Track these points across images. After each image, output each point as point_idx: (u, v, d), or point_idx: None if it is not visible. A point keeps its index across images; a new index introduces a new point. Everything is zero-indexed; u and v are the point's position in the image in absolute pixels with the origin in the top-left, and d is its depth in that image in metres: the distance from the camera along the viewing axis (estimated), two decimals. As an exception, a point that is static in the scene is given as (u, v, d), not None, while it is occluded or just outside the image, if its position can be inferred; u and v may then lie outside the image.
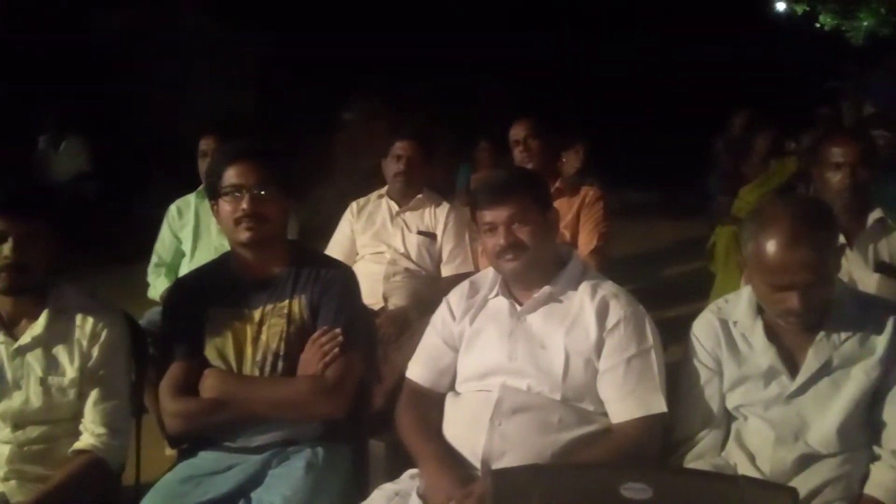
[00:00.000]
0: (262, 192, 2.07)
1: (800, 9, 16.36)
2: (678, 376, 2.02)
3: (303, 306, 2.11)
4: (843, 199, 2.62)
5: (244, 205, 2.05)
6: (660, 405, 1.92)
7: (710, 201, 6.72)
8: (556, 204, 3.20)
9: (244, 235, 2.07)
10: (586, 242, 3.24)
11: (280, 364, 2.08)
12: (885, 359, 1.81)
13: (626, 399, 1.93)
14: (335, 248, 3.45)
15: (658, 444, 1.95)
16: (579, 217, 3.29)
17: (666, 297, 5.02)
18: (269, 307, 2.11)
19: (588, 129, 6.43)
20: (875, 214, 2.67)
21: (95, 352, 2.10)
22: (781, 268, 1.73)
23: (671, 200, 8.85)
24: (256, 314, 2.11)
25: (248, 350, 2.09)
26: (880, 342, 1.82)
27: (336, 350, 2.03)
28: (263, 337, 2.09)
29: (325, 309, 2.10)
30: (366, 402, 2.28)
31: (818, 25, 16.18)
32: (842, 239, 2.63)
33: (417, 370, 2.16)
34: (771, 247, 1.73)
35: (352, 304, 2.15)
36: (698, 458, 1.91)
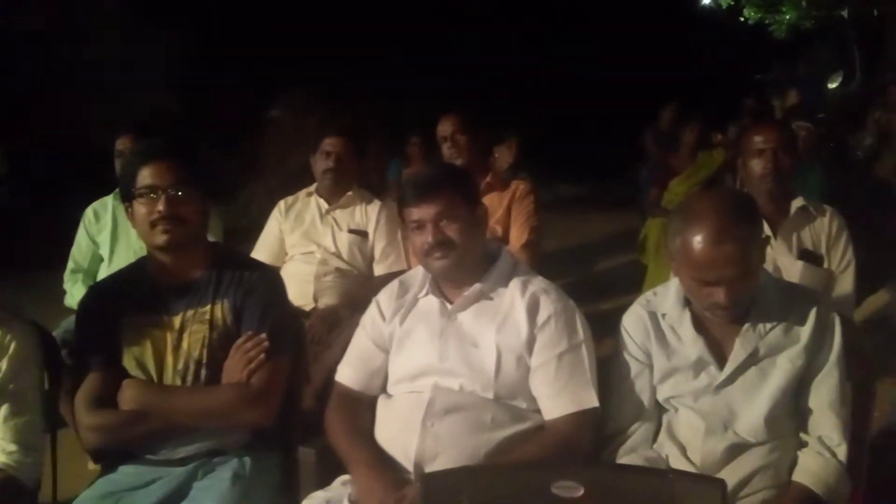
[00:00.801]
0: (179, 193, 1.99)
1: (725, 3, 16.81)
2: (609, 370, 2.01)
3: (226, 311, 2.03)
4: (765, 185, 2.68)
5: (160, 206, 1.97)
6: (591, 400, 1.92)
7: (641, 194, 6.82)
8: (487, 199, 3.22)
9: (161, 238, 1.99)
10: (518, 237, 3.22)
11: (203, 372, 2.00)
12: (809, 347, 1.84)
13: (558, 395, 1.92)
14: (262, 249, 3.37)
15: (591, 439, 1.94)
16: (510, 212, 3.27)
17: (599, 290, 5.08)
18: (189, 313, 2.03)
19: (521, 124, 6.45)
20: (797, 203, 2.73)
21: (3, 365, 2.00)
22: (708, 264, 1.74)
23: (604, 194, 8.97)
24: (176, 321, 2.03)
25: (169, 358, 2.01)
26: (804, 331, 1.85)
27: (262, 356, 1.97)
28: (184, 344, 2.01)
29: (249, 313, 2.02)
30: (295, 408, 2.22)
31: (743, 19, 16.68)
32: (767, 230, 2.69)
33: (347, 373, 2.10)
34: (697, 243, 1.74)
35: (277, 307, 2.08)
36: (631, 451, 1.92)
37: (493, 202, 3.26)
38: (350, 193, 3.39)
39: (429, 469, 1.81)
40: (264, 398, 1.96)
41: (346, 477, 1.93)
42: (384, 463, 1.89)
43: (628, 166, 7.79)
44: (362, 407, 2.04)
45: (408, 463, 1.87)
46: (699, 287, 1.80)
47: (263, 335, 1.99)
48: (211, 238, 2.30)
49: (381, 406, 2.03)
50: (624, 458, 1.90)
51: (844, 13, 15.48)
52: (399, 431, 1.92)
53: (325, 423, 2.05)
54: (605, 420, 1.97)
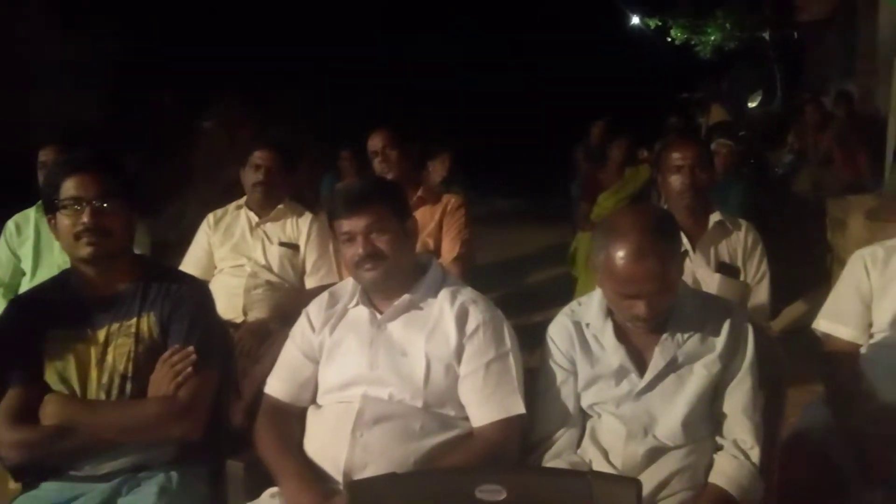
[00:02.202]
0: (105, 205, 1.97)
1: (652, 23, 17.31)
2: (536, 378, 2.06)
3: (152, 324, 2.01)
4: (684, 201, 2.78)
5: (84, 218, 1.95)
6: (518, 407, 1.96)
7: (572, 208, 6.96)
8: (419, 213, 3.26)
9: (85, 251, 1.97)
10: (449, 250, 3.26)
11: (128, 386, 1.98)
12: (723, 355, 1.92)
13: (486, 403, 1.95)
14: (191, 262, 3.32)
15: (517, 445, 1.98)
16: (442, 225, 3.31)
17: (532, 302, 5.17)
18: (114, 326, 2.00)
19: (455, 139, 6.52)
20: (715, 217, 2.84)
21: None
22: (629, 279, 1.81)
23: (537, 207, 9.11)
24: (101, 334, 2.00)
25: (93, 373, 1.98)
26: (719, 340, 1.93)
27: (189, 369, 1.95)
28: (109, 358, 1.98)
29: (176, 326, 2.01)
30: (223, 421, 2.20)
31: (670, 40, 17.19)
32: (685, 244, 2.79)
33: (276, 385, 2.10)
34: (620, 259, 1.80)
35: (205, 320, 2.07)
36: (556, 456, 1.96)
37: (425, 216, 3.29)
38: (281, 206, 3.38)
39: (357, 479, 1.82)
40: (191, 411, 1.95)
41: (274, 489, 1.92)
42: (313, 474, 1.89)
43: (561, 181, 7.94)
44: (291, 419, 2.04)
45: (337, 473, 1.87)
46: (621, 300, 1.87)
47: (191, 348, 1.97)
48: (137, 250, 2.28)
49: (311, 417, 2.04)
50: (549, 463, 1.94)
51: (766, 35, 16.12)
52: (328, 442, 1.93)
53: (254, 435, 2.04)
54: (531, 426, 2.01)
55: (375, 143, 3.33)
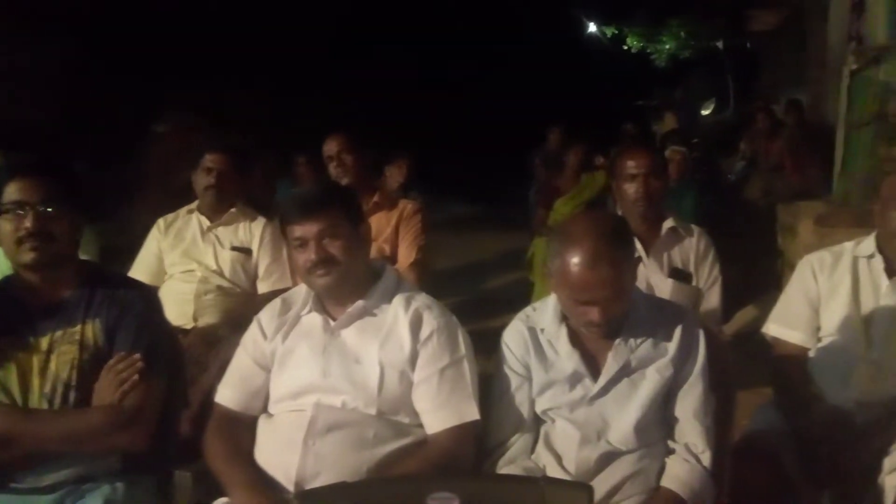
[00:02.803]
0: (49, 210, 1.92)
1: (609, 31, 17.53)
2: (491, 383, 2.06)
3: (97, 331, 1.96)
4: (638, 208, 2.81)
5: (28, 223, 1.90)
6: (472, 413, 1.95)
7: (530, 213, 7.00)
8: (375, 218, 3.24)
9: (28, 257, 1.91)
10: (405, 256, 3.25)
11: (72, 395, 1.93)
12: (675, 359, 1.94)
13: (440, 409, 1.94)
14: (140, 268, 3.26)
15: (472, 452, 1.97)
16: (398, 231, 3.30)
17: (490, 307, 5.17)
18: (58, 334, 1.95)
19: (414, 145, 6.51)
20: (668, 224, 2.87)
21: None
22: (583, 285, 1.81)
23: (495, 213, 9.14)
24: (44, 342, 1.94)
25: (35, 381, 1.92)
26: (671, 345, 1.95)
27: (135, 377, 1.91)
28: (52, 366, 1.93)
29: (122, 333, 1.96)
30: (171, 430, 2.16)
31: (626, 48, 17.44)
32: (639, 250, 2.82)
33: (227, 393, 2.06)
34: (574, 266, 1.81)
35: (153, 326, 2.03)
36: (510, 462, 1.96)
37: (381, 221, 3.28)
38: (233, 210, 3.33)
39: (309, 488, 1.79)
40: (137, 420, 1.90)
41: (224, 500, 1.88)
42: (263, 484, 1.86)
43: (519, 187, 7.98)
44: (242, 428, 2.00)
45: (289, 482, 1.84)
46: (575, 305, 1.87)
47: (137, 355, 1.93)
48: (85, 256, 2.22)
49: (262, 426, 2.00)
50: (504, 469, 1.94)
51: (720, 44, 16.44)
52: (280, 451, 1.90)
53: (204, 445, 1.99)
54: (486, 432, 2.01)
55: (331, 148, 3.30)
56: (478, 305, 5.46)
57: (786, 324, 2.47)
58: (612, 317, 1.86)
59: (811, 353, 2.44)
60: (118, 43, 8.20)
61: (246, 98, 8.24)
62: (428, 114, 12.89)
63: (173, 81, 7.93)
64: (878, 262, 2.37)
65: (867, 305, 2.36)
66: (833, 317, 2.41)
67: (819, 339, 2.44)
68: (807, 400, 2.34)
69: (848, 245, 2.48)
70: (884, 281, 2.35)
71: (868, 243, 2.42)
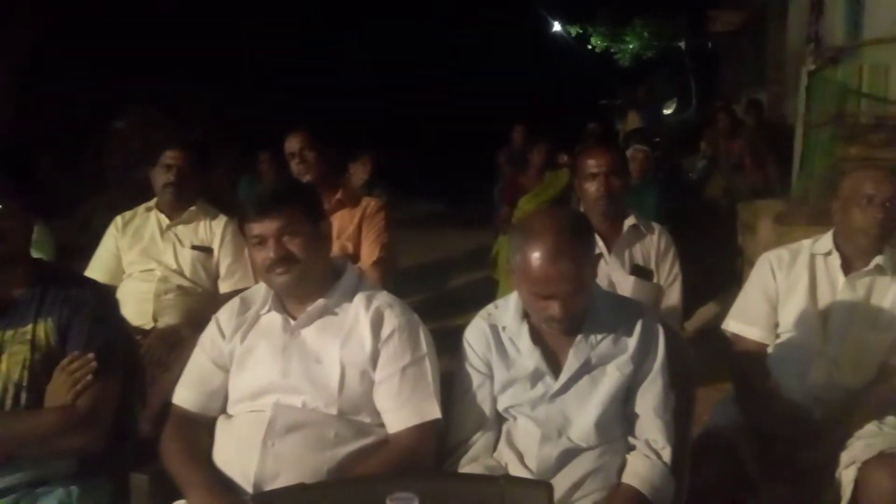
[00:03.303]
0: None
1: (574, 31, 17.68)
2: (453, 382, 2.05)
3: (49, 331, 1.92)
4: (599, 207, 2.82)
5: None
6: (434, 412, 1.94)
7: (495, 211, 7.02)
8: (337, 216, 3.22)
9: None
10: (369, 254, 3.22)
11: (23, 396, 1.89)
12: (636, 356, 1.94)
13: (402, 408, 1.93)
14: (97, 267, 3.18)
15: (434, 451, 1.96)
16: (361, 229, 3.27)
17: (454, 305, 5.17)
18: (9, 333, 1.91)
19: (379, 143, 6.49)
20: (629, 221, 2.89)
21: None
22: (544, 280, 1.81)
23: (460, 211, 9.14)
24: None
25: (-15, 383, 1.87)
26: (631, 341, 1.95)
27: (89, 377, 1.87)
28: (3, 367, 1.89)
29: (75, 332, 1.92)
30: (128, 431, 2.12)
31: (591, 47, 17.59)
32: (601, 247, 2.84)
33: (185, 394, 2.02)
34: (535, 260, 1.81)
35: (107, 325, 1.98)
36: (472, 460, 1.95)
37: (344, 219, 3.25)
38: (193, 208, 3.27)
39: (268, 489, 1.77)
40: (91, 422, 1.87)
41: (181, 502, 1.85)
42: (221, 485, 1.83)
43: (484, 185, 7.99)
44: (200, 429, 1.97)
45: (247, 484, 1.81)
46: (536, 300, 1.87)
47: (91, 355, 1.89)
48: (40, 255, 2.18)
49: (221, 427, 1.97)
50: (466, 468, 1.93)
51: (682, 45, 16.67)
52: (238, 452, 1.87)
53: (161, 446, 1.96)
54: (447, 431, 2.00)
55: (292, 144, 3.26)
56: (442, 303, 5.47)
57: (745, 320, 2.50)
58: (572, 312, 1.86)
59: (770, 349, 2.47)
60: (77, 37, 8.03)
61: (208, 94, 8.12)
62: (393, 111, 12.86)
63: (134, 77, 7.79)
64: (835, 258, 2.42)
65: (824, 302, 2.41)
66: (791, 313, 2.45)
67: (777, 336, 2.48)
68: (765, 395, 2.38)
69: (806, 243, 2.52)
70: (840, 277, 2.39)
71: (825, 241, 2.46)
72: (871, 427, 2.25)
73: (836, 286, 2.40)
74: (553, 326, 1.91)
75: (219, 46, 9.00)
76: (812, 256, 2.46)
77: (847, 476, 2.14)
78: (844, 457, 2.19)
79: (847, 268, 2.40)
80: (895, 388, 2.28)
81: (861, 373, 2.35)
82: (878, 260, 2.35)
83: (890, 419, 2.27)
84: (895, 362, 2.32)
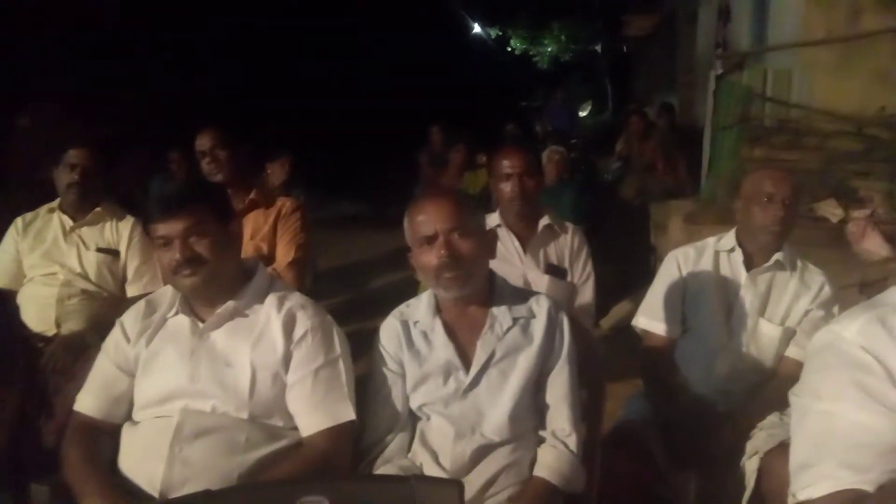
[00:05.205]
0: None
1: (493, 33, 17.87)
2: (366, 382, 2.04)
3: None
4: (514, 207, 2.86)
5: None
6: (348, 414, 1.92)
7: (415, 212, 6.99)
8: (251, 216, 3.15)
9: None
10: (284, 254, 3.17)
11: None
12: (543, 346, 1.97)
13: (315, 411, 1.91)
14: (-5, 271, 3.04)
15: (348, 453, 1.94)
16: (276, 229, 3.21)
17: (377, 306, 5.10)
18: None
19: (300, 143, 6.41)
20: (544, 221, 2.93)
21: None
22: (425, 216, 1.88)
23: (382, 212, 9.08)
24: None
25: None
26: (538, 332, 1.98)
27: None
28: None
29: None
30: (28, 442, 2.02)
31: (510, 49, 17.82)
32: (517, 245, 2.87)
33: (88, 401, 1.95)
34: (417, 206, 1.91)
35: (2, 332, 1.89)
36: (387, 461, 1.94)
37: (258, 219, 3.19)
38: (98, 209, 3.15)
39: (175, 496, 1.72)
40: None
41: (82, 513, 1.78)
42: (121, 492, 1.76)
43: (406, 185, 7.98)
44: (102, 436, 1.91)
45: (155, 492, 1.76)
46: (425, 254, 1.91)
47: None
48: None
49: (126, 434, 1.91)
50: (380, 469, 1.92)
51: (598, 48, 17.05)
52: (144, 459, 1.81)
53: (61, 456, 1.88)
54: (361, 432, 1.98)
55: (203, 142, 3.18)
56: (364, 304, 5.43)
57: (653, 316, 2.57)
58: (460, 257, 1.88)
59: (678, 345, 2.55)
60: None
61: (117, 91, 7.85)
62: (315, 112, 12.72)
63: (37, 73, 7.47)
64: (738, 255, 2.51)
65: (728, 297, 2.49)
66: (697, 309, 2.53)
67: (685, 331, 2.56)
68: (673, 389, 2.45)
69: (710, 240, 2.61)
70: (742, 273, 2.48)
71: (729, 238, 2.56)
72: (772, 418, 2.33)
73: (739, 282, 2.49)
74: (446, 280, 1.91)
75: (130, 40, 8.72)
76: (716, 253, 2.55)
77: (750, 466, 2.21)
78: (748, 447, 2.26)
79: (749, 264, 2.50)
80: (794, 379, 2.37)
81: (762, 365, 2.44)
82: (777, 256, 2.45)
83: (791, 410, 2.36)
84: (794, 354, 2.41)
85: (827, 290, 2.46)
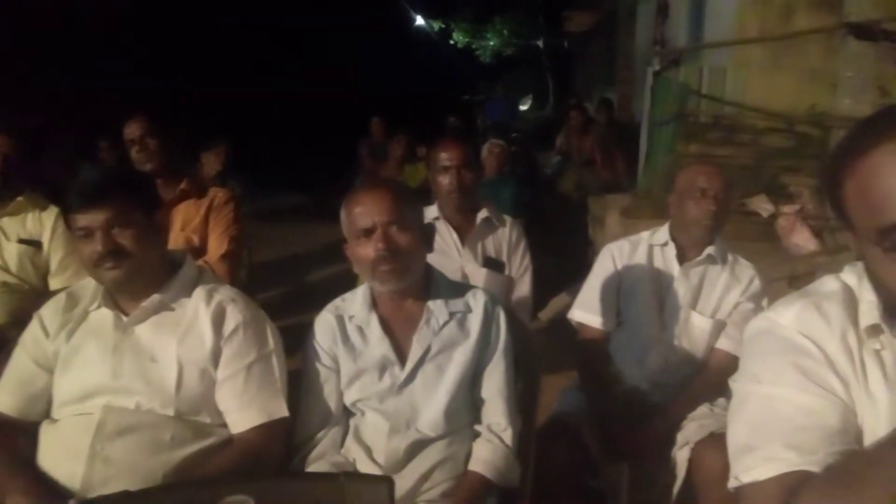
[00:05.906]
0: None
1: (436, 25, 17.86)
2: (300, 377, 2.00)
3: None
4: (452, 200, 2.85)
5: None
6: (281, 410, 1.89)
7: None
8: (182, 207, 3.07)
9: None
10: (216, 247, 3.09)
11: None
12: (479, 340, 1.95)
13: (247, 407, 1.86)
14: None
15: (281, 450, 1.91)
16: (208, 220, 3.13)
17: (315, 300, 5.03)
18: None
19: (237, 133, 6.28)
20: (482, 214, 2.93)
21: None
22: (363, 209, 1.86)
23: (321, 204, 8.98)
24: None
25: None
26: (474, 326, 1.96)
27: None
28: None
29: None
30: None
31: (452, 42, 17.84)
32: (455, 238, 2.86)
33: (3, 398, 1.87)
34: (355, 198, 1.88)
35: None
36: (319, 458, 1.91)
37: (190, 210, 3.10)
38: (20, 199, 3.01)
39: (95, 496, 1.65)
40: None
41: (0, 514, 1.71)
42: (44, 491, 1.69)
43: (346, 176, 7.91)
44: (20, 434, 1.83)
45: (74, 491, 1.69)
46: (362, 246, 1.88)
47: None
48: None
49: (45, 432, 1.83)
50: (313, 465, 1.89)
51: (540, 43, 17.18)
52: (64, 458, 1.74)
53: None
54: (294, 428, 1.95)
55: (132, 131, 3.07)
56: (301, 297, 5.35)
57: (588, 309, 2.59)
58: (396, 250, 1.85)
59: (612, 337, 2.57)
60: None
61: (42, 76, 7.58)
62: (252, 101, 12.51)
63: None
64: (671, 249, 2.54)
65: (661, 290, 2.53)
66: (631, 302, 2.56)
67: (619, 323, 2.58)
68: (606, 381, 2.47)
69: (644, 234, 2.64)
70: (675, 267, 2.52)
71: (662, 232, 2.59)
72: (703, 409, 2.38)
73: (672, 275, 2.52)
74: (382, 273, 1.88)
75: (61, 23, 8.43)
76: (650, 247, 2.58)
77: (681, 456, 2.25)
78: (679, 437, 2.30)
79: (682, 258, 2.53)
80: (723, 371, 2.42)
81: (694, 357, 2.48)
82: (709, 250, 2.49)
83: (721, 401, 2.41)
84: (724, 346, 2.46)
85: (756, 283, 2.51)
